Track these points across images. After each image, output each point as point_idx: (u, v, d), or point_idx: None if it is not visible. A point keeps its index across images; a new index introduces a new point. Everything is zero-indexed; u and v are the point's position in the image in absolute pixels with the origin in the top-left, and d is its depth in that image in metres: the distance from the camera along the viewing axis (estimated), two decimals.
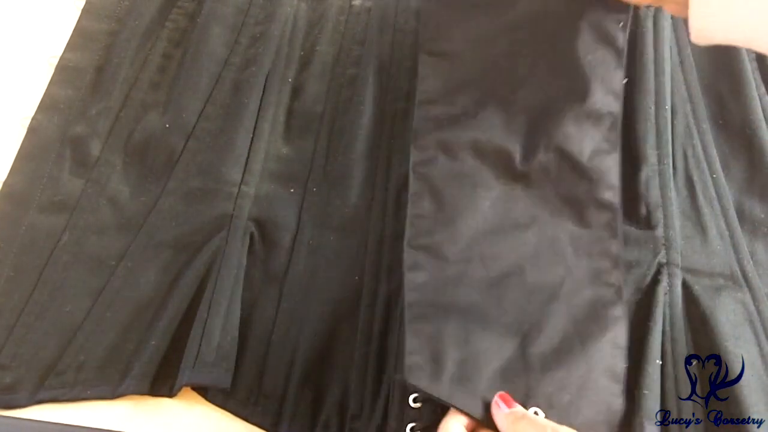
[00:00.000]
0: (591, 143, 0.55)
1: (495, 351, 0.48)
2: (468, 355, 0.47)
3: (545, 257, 0.53)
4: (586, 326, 0.49)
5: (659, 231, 0.55)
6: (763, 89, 0.62)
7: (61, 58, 0.64)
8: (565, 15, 0.59)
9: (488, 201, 0.55)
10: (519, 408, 0.44)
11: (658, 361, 0.49)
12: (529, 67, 0.57)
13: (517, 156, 0.56)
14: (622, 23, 0.58)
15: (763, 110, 0.61)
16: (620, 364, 0.49)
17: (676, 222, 0.55)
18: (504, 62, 0.59)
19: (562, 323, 0.49)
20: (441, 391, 0.45)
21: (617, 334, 0.49)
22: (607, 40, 0.57)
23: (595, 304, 0.50)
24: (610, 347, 0.49)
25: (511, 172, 0.55)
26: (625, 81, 0.57)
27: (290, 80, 0.64)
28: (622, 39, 0.57)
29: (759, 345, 0.50)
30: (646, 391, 0.48)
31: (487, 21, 0.60)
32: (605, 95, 0.56)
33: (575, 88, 0.56)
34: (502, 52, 0.59)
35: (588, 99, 0.55)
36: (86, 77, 0.63)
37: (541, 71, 0.57)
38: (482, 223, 0.53)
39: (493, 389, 0.46)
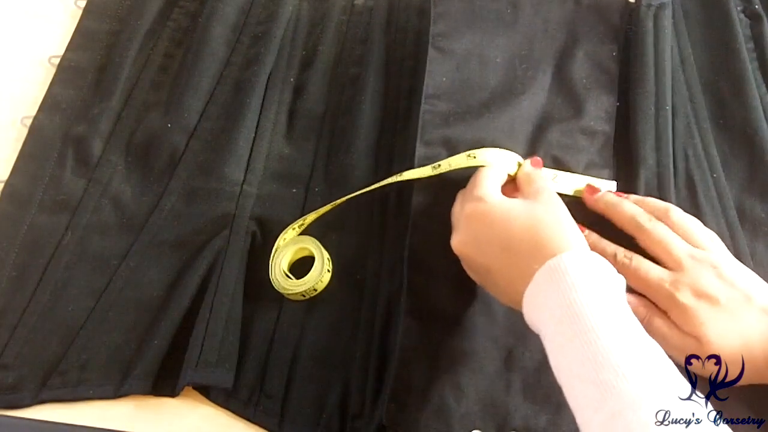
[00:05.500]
0: (585, 157, 0.58)
1: (480, 374, 0.49)
2: (453, 383, 0.48)
3: None
4: None
5: None
6: (764, 89, 0.62)
7: (63, 57, 0.64)
8: (562, 39, 0.62)
9: None
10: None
11: None
12: (529, 80, 0.60)
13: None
14: (614, 53, 0.61)
15: (764, 110, 0.61)
16: None
17: None
18: (506, 71, 0.61)
19: None
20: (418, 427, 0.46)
21: None
22: (601, 68, 0.62)
23: None
24: None
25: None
26: (617, 105, 0.60)
27: (292, 80, 0.64)
28: (614, 67, 0.62)
29: None
30: None
31: (492, 31, 0.62)
32: (598, 115, 0.59)
33: (570, 106, 0.59)
34: (504, 62, 0.61)
35: (582, 117, 0.59)
36: (88, 77, 0.63)
37: (539, 85, 0.60)
38: None
39: (472, 416, 0.47)
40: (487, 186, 0.49)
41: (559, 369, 0.40)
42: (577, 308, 0.39)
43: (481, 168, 0.51)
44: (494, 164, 0.51)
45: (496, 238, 0.45)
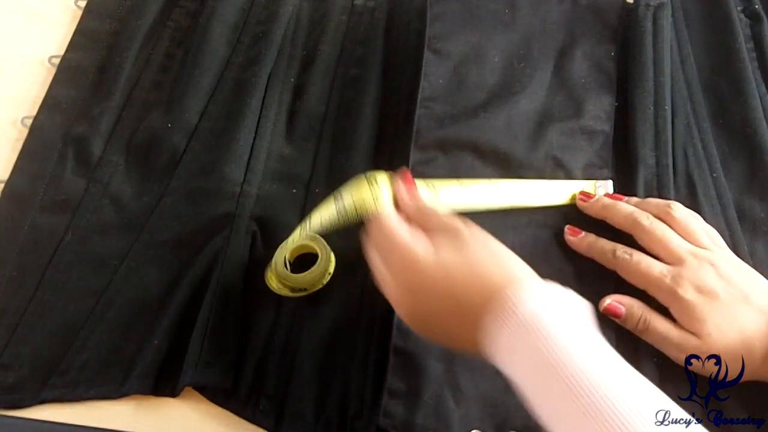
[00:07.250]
0: (584, 157, 0.58)
1: (479, 374, 0.48)
2: (452, 383, 0.48)
3: (538, 261, 0.53)
4: None
5: None
6: (763, 88, 0.63)
7: (63, 57, 0.64)
8: (560, 39, 0.63)
9: None
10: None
11: (654, 359, 0.49)
12: (528, 78, 0.60)
13: (515, 159, 0.56)
14: (612, 53, 0.61)
15: (764, 110, 0.61)
16: None
17: None
18: (504, 71, 0.61)
19: None
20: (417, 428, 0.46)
21: None
22: (600, 68, 0.62)
23: None
24: None
25: (508, 175, 0.56)
26: (616, 105, 0.60)
27: (292, 80, 0.64)
28: (612, 67, 0.62)
29: None
30: None
31: (489, 31, 0.63)
32: (597, 115, 0.60)
33: (569, 105, 0.59)
34: (502, 62, 0.61)
35: (581, 116, 0.59)
36: (88, 77, 0.63)
37: (538, 83, 0.60)
38: (479, 223, 0.54)
39: (472, 416, 0.47)
40: (399, 232, 0.44)
41: (540, 406, 0.37)
42: (548, 351, 0.36)
43: (378, 211, 0.48)
44: (384, 195, 0.50)
45: (436, 289, 0.41)
